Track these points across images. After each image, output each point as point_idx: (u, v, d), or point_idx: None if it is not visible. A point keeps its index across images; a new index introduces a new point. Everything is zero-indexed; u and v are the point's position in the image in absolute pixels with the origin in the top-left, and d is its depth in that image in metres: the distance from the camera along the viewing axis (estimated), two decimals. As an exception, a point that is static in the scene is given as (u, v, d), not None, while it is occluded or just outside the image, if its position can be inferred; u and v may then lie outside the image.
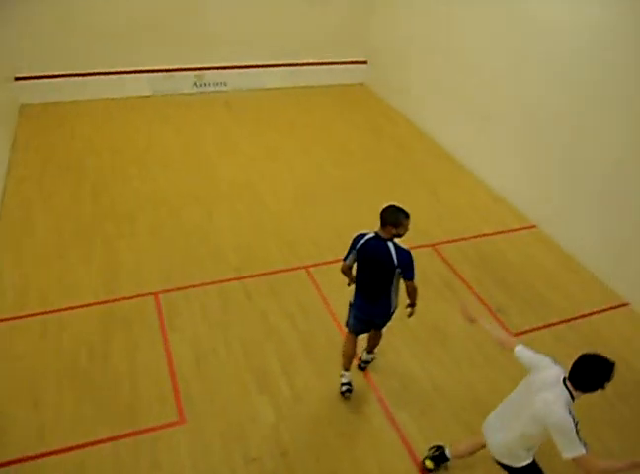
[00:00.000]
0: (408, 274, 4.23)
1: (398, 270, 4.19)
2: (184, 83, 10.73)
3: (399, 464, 4.38)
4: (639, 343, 5.85)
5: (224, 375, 4.99)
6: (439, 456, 4.33)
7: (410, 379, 5.13)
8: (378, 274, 4.29)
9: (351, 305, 4.69)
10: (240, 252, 6.55)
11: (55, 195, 7.30)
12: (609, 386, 3.19)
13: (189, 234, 6.80)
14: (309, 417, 4.68)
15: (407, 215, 4.16)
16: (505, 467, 3.71)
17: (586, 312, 6.16)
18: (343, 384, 4.88)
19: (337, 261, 6.41)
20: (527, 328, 5.83)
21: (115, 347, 5.17)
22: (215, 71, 10.84)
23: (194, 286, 5.96)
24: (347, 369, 4.89)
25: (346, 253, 4.41)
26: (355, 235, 4.35)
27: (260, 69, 11.16)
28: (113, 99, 10.18)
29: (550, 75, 7.03)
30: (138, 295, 5.79)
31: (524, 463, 3.61)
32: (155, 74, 10.42)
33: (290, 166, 8.58)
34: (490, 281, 6.48)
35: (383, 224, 4.15)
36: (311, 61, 11.49)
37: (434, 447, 4.39)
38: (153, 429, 4.45)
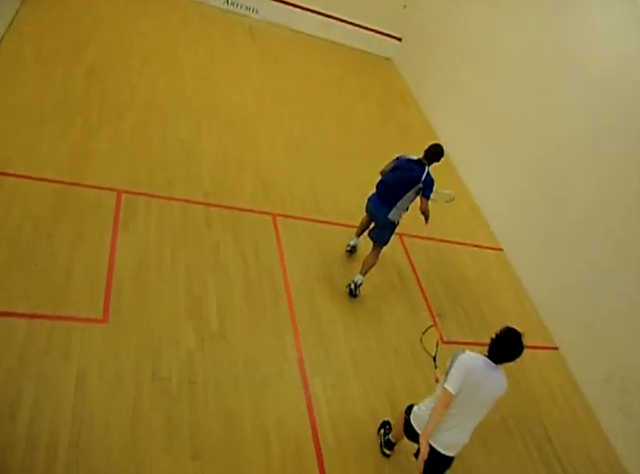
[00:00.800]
0: (426, 191, 5.45)
1: (420, 185, 5.41)
2: (215, -5, 10.38)
3: (296, 425, 4.47)
4: (553, 384, 6.05)
5: (160, 291, 4.97)
6: (388, 443, 4.49)
7: (335, 352, 5.20)
8: (402, 181, 5.45)
9: (368, 199, 5.78)
10: (215, 179, 6.47)
11: (51, 63, 7.03)
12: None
13: (171, 146, 6.67)
14: (227, 356, 4.71)
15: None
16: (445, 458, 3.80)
17: (518, 343, 6.30)
18: (349, 245, 6.27)
19: (305, 218, 6.51)
20: (458, 339, 5.95)
21: (62, 229, 5.08)
22: (250, -7, 10.51)
23: (159, 197, 5.88)
24: (357, 235, 6.24)
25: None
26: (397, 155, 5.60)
27: (296, 9, 10.86)
28: (140, -14, 9.78)
29: (565, 116, 7.03)
30: (102, 187, 5.67)
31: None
32: (191, -23, 10.05)
33: (293, 114, 8.45)
34: (440, 285, 6.58)
35: (431, 157, 5.52)
36: (348, 20, 11.23)
37: (381, 429, 4.59)
38: (73, 319, 4.43)
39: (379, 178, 5.69)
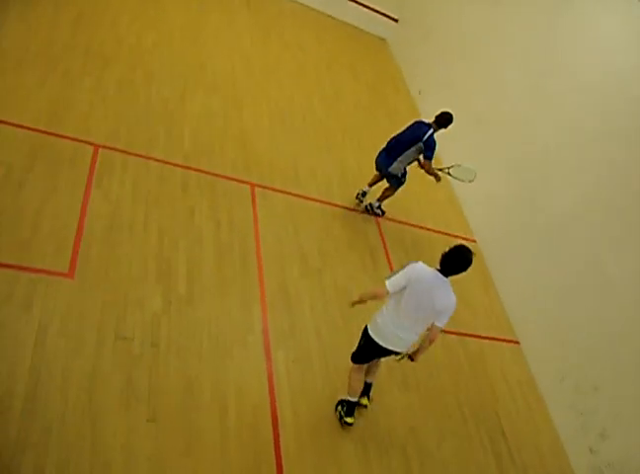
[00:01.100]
0: (427, 153, 6.18)
1: (421, 144, 6.12)
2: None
3: (256, 396, 4.48)
4: (511, 377, 6.17)
5: (129, 252, 4.89)
6: (348, 407, 4.57)
7: (300, 327, 5.21)
8: (407, 138, 6.23)
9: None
10: (196, 143, 6.36)
11: (36, 7, 6.78)
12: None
13: (154, 104, 6.53)
14: (192, 321, 4.69)
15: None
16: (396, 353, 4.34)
17: (480, 334, 6.41)
18: (361, 191, 6.87)
19: (283, 191, 6.46)
20: (425, 326, 6.03)
21: (33, 179, 4.96)
22: (250, -40, 10.24)
23: (137, 155, 5.77)
24: (370, 185, 6.85)
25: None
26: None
27: (294, -22, 10.65)
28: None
29: (553, 117, 7.06)
30: (78, 140, 5.54)
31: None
32: None
33: (280, 85, 8.33)
34: (411, 271, 6.62)
35: (441, 122, 6.19)
36: (346, -6, 11.06)
37: (338, 406, 4.66)
38: (38, 271, 4.34)
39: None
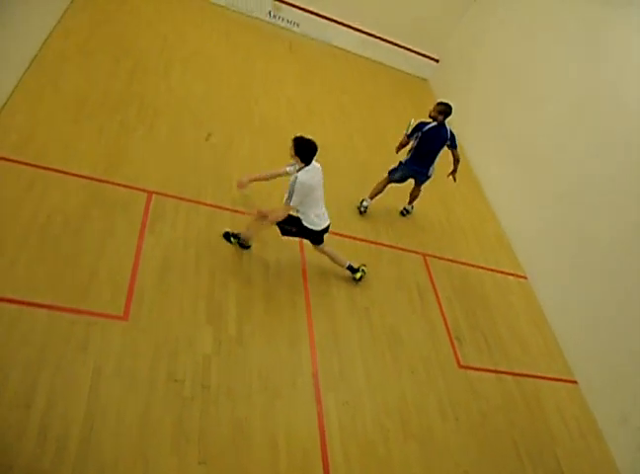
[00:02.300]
0: (453, 143, 6.66)
1: (448, 142, 6.61)
2: (260, 8, 10.54)
3: (306, 438, 4.45)
4: (570, 418, 5.92)
5: (181, 294, 5.01)
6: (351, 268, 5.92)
7: (349, 368, 5.17)
8: (435, 145, 6.63)
9: (402, 164, 6.91)
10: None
11: (94, 60, 7.20)
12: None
13: (203, 150, 6.76)
14: (242, 363, 4.72)
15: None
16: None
17: (536, 373, 6.21)
18: (362, 205, 7.07)
19: (331, 232, 6.50)
20: (476, 365, 5.89)
21: (91, 226, 5.17)
22: (293, 9, 10.64)
23: (188, 200, 5.95)
24: (371, 198, 7.08)
25: (411, 132, 6.59)
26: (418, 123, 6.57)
27: (336, 25, 10.98)
28: (186, -7, 10.00)
29: (598, 146, 6.95)
30: (133, 187, 5.77)
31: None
32: (235, -12, 10.23)
33: (324, 127, 8.51)
34: (460, 308, 6.51)
35: (445, 113, 6.48)
36: (387, 38, 11.30)
37: (355, 271, 5.97)
38: (94, 314, 4.48)
39: (410, 144, 6.76)
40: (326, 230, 5.49)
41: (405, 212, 7.51)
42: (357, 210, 7.11)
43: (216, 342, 4.78)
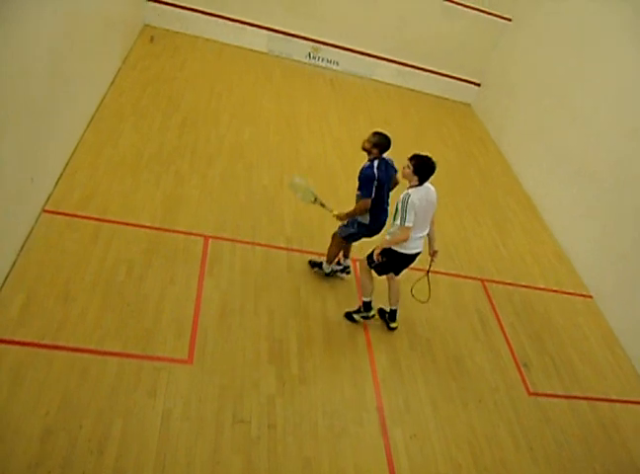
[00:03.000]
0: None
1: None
2: (299, 51, 10.87)
3: (375, 475, 4.39)
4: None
5: (243, 334, 5.09)
6: (388, 314, 5.60)
7: (415, 402, 5.09)
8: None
9: (364, 226, 5.44)
10: (296, 225, 6.64)
11: (147, 116, 7.57)
12: None
13: (255, 192, 6.94)
14: (307, 401, 4.73)
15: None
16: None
17: (611, 397, 5.94)
18: (345, 268, 6.06)
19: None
20: (547, 391, 5.69)
21: (153, 273, 5.37)
22: (332, 48, 10.91)
23: (243, 242, 6.10)
24: (347, 257, 6.04)
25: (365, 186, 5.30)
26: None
27: (374, 59, 11.16)
28: (229, 45, 10.43)
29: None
30: (190, 233, 5.96)
31: None
32: (275, 34, 10.58)
33: (372, 160, 8.57)
34: (525, 334, 6.33)
35: (383, 148, 5.30)
36: (426, 67, 11.40)
37: (380, 314, 5.71)
38: (161, 359, 4.61)
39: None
40: (415, 256, 5.21)
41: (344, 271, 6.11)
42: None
43: (280, 381, 4.81)
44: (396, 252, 5.08)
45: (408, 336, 5.72)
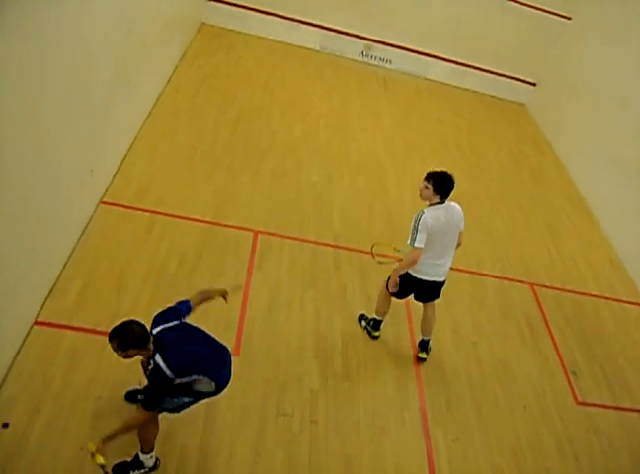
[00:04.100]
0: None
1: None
2: (352, 49, 10.87)
3: (416, 476, 4.38)
4: None
5: (288, 330, 5.17)
6: (419, 343, 5.26)
7: (458, 404, 5.05)
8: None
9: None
10: (345, 223, 6.67)
11: (202, 113, 7.75)
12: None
13: (305, 188, 7.01)
14: (349, 398, 4.76)
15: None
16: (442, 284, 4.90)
17: (665, 410, 5.74)
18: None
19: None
20: (595, 401, 5.53)
21: (203, 265, 5.50)
22: (385, 46, 10.87)
23: (291, 238, 6.17)
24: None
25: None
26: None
27: (428, 58, 11.06)
28: (282, 43, 10.55)
29: None
30: (241, 227, 6.08)
31: None
32: (328, 32, 10.62)
33: (422, 160, 8.50)
34: (575, 340, 6.18)
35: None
36: (480, 66, 11.22)
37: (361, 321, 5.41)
38: (209, 350, 4.72)
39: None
40: (434, 285, 4.82)
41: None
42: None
43: (323, 377, 4.85)
44: (410, 275, 4.72)
45: (452, 337, 5.67)
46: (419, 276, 4.70)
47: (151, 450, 3.72)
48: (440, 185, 4.41)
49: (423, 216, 4.41)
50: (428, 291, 4.93)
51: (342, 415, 4.61)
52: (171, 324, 3.50)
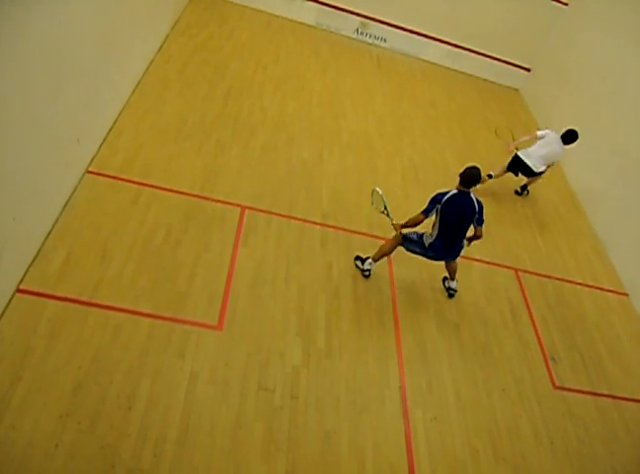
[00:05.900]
0: (480, 219, 5.33)
1: (477, 215, 5.29)
2: (347, 26, 10.76)
3: (393, 453, 4.43)
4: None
5: (272, 305, 5.17)
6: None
7: (438, 385, 5.11)
8: (464, 219, 5.30)
9: (420, 237, 5.52)
10: (333, 201, 6.65)
11: (193, 84, 7.63)
12: None
13: (294, 165, 6.97)
14: (330, 375, 4.79)
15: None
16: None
17: (639, 398, 5.84)
18: (367, 270, 5.79)
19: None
20: (572, 386, 5.63)
21: (189, 238, 5.46)
22: (380, 25, 10.75)
23: (279, 215, 6.14)
24: (375, 261, 5.77)
25: (426, 207, 5.27)
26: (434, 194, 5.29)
27: (423, 38, 10.98)
28: (278, 17, 10.40)
29: None
30: (228, 202, 6.03)
31: None
32: (325, 7, 10.48)
33: (413, 142, 8.49)
34: (556, 327, 6.25)
35: (470, 182, 5.19)
36: (475, 49, 11.15)
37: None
38: (191, 323, 4.72)
39: (434, 221, 5.38)
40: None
41: (452, 292, 6.02)
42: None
43: (305, 354, 4.88)
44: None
45: (436, 319, 5.72)
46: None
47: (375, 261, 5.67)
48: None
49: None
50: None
51: (322, 392, 4.64)
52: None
